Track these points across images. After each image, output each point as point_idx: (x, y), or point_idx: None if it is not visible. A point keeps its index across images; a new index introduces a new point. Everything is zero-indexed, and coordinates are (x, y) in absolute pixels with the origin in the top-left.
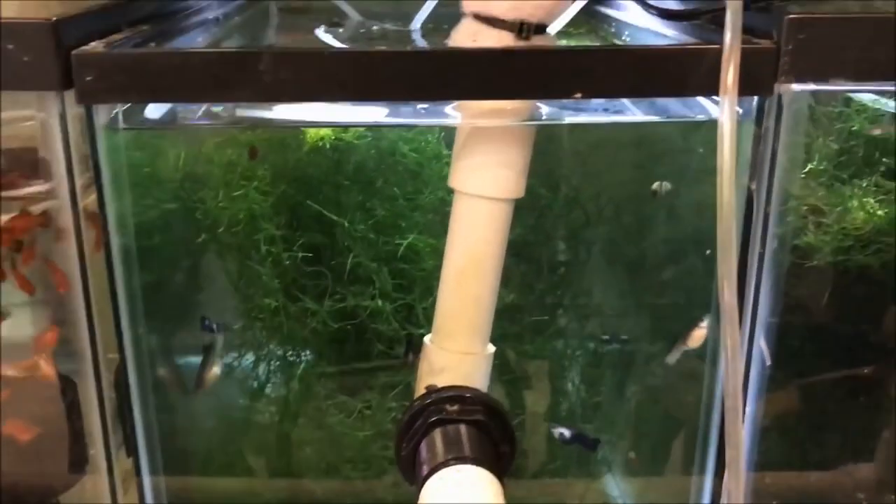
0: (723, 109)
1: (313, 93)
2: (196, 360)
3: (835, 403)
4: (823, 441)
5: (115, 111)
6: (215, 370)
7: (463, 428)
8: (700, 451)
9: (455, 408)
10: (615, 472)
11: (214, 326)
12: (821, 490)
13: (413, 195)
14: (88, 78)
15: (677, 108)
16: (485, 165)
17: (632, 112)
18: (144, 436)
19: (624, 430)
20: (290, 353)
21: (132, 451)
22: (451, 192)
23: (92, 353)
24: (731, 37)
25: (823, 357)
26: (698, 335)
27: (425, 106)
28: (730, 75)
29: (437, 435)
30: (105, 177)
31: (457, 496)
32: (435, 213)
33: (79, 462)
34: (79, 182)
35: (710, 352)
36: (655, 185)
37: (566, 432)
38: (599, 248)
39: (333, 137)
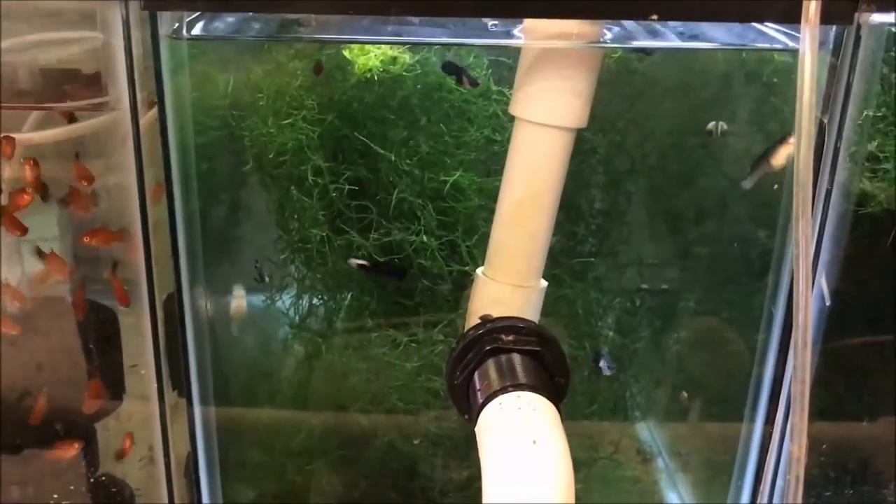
0: (804, 39)
1: (384, 6)
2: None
3: (881, 356)
4: (868, 391)
5: (176, 24)
6: (242, 304)
7: (518, 357)
8: (751, 399)
9: (510, 338)
10: (650, 419)
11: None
12: (862, 440)
13: (459, 132)
14: None
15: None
16: (548, 92)
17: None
18: (196, 367)
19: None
20: (335, 286)
21: (183, 381)
22: (496, 130)
23: (147, 281)
24: None
25: (872, 309)
26: (784, 151)
27: (496, 23)
28: (812, 4)
29: (493, 364)
30: (167, 88)
31: (517, 420)
32: (480, 151)
33: (115, 391)
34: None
35: (769, 291)
36: (711, 125)
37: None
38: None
39: (381, 70)
